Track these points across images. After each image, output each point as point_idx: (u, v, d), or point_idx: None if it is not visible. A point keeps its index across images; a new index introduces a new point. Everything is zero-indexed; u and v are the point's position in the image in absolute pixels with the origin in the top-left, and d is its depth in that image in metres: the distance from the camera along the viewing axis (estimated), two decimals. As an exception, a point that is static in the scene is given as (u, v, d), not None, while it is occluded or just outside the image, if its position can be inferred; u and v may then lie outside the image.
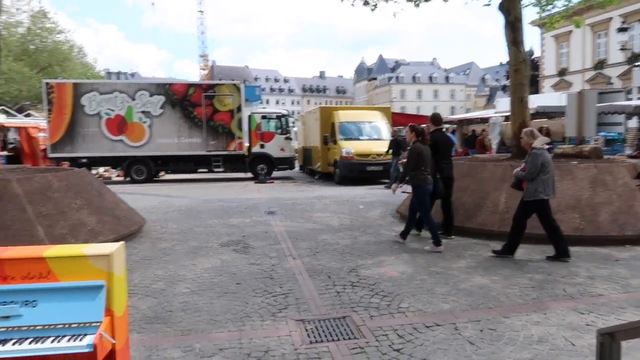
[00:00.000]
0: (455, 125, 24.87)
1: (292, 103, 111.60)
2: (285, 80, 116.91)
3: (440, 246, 6.66)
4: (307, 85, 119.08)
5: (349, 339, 3.89)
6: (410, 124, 7.56)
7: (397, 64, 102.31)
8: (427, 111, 71.90)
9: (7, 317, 2.27)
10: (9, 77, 30.87)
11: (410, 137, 7.08)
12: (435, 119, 7.87)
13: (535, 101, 17.41)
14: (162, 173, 19.17)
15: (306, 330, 4.08)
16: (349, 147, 15.84)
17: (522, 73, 9.10)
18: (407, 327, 4.08)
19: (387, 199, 11.74)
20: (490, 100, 76.17)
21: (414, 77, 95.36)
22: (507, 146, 11.93)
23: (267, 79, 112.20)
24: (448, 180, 7.46)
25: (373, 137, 16.78)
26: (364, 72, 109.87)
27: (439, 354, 3.57)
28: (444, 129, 8.31)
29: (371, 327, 4.10)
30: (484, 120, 21.54)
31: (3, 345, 2.17)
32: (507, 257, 6.24)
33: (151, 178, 17.78)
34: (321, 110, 18.17)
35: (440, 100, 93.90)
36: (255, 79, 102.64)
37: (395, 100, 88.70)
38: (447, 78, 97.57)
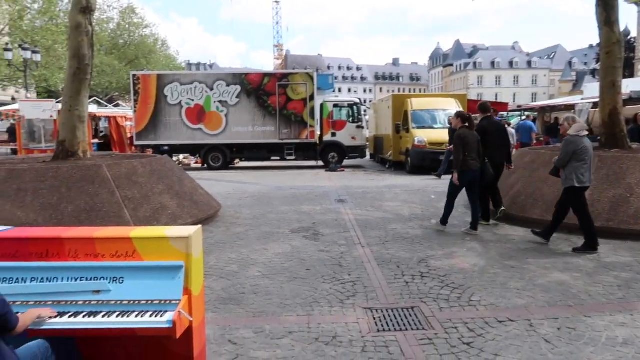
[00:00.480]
0: (536, 113, 23.53)
1: (365, 91, 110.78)
2: (358, 68, 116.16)
3: (445, 226, 7.27)
4: (379, 72, 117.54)
5: (417, 329, 3.86)
6: (457, 110, 7.68)
7: (475, 49, 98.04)
8: (506, 98, 68.46)
9: (98, 292, 2.49)
10: (101, 70, 33.22)
11: (456, 123, 7.34)
12: (483, 107, 8.00)
13: (628, 86, 16.04)
14: (237, 160, 19.86)
15: (374, 318, 4.09)
16: (422, 136, 15.50)
17: (615, 55, 8.40)
18: (478, 321, 3.97)
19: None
20: (576, 85, 71.04)
21: (492, 63, 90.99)
22: (595, 135, 11.13)
23: (339, 67, 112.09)
24: (499, 167, 7.65)
25: (447, 125, 16.29)
26: (439, 59, 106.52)
27: (512, 351, 3.45)
28: (493, 117, 8.23)
29: (440, 319, 4.03)
30: (569, 108, 20.19)
31: (94, 317, 2.38)
32: (544, 243, 6.35)
33: (227, 165, 18.48)
34: (394, 98, 17.90)
35: (520, 86, 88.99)
36: (328, 67, 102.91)
37: (472, 87, 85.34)
38: (529, 63, 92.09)
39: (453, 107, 17.06)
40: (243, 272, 5.42)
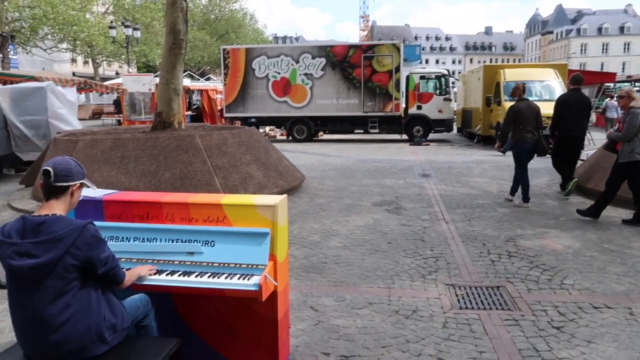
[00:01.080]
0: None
1: (453, 62, 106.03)
2: (447, 38, 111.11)
3: (528, 203, 7.09)
4: (470, 42, 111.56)
5: (502, 309, 3.73)
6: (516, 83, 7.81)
7: (580, 14, 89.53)
8: (614, 67, 62.30)
9: (191, 253, 2.66)
10: (194, 44, 34.77)
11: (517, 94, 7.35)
12: (575, 79, 7.79)
13: None
14: (320, 133, 20.06)
15: (456, 295, 4.01)
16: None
17: None
18: (570, 305, 3.75)
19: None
20: (700, 52, 62.77)
21: (599, 29, 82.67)
22: None
23: (427, 38, 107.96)
24: (576, 140, 7.62)
25: (544, 97, 15.18)
26: (537, 26, 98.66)
27: (607, 339, 3.23)
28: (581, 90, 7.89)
29: (528, 301, 3.86)
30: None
31: (188, 276, 2.56)
32: (592, 220, 6.20)
33: (311, 137, 18.73)
34: (485, 69, 16.98)
35: (632, 54, 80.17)
36: (416, 38, 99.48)
37: (574, 57, 78.36)
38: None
39: (551, 78, 15.85)
40: (325, 242, 5.53)
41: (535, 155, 7.28)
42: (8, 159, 10.25)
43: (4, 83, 13.33)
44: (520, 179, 7.23)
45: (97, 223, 2.71)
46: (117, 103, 22.31)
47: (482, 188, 8.63)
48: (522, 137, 7.00)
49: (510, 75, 15.91)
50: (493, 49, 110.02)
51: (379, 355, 3.10)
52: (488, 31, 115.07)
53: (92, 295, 2.16)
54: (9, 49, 23.60)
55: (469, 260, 4.85)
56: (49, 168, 2.18)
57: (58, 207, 2.18)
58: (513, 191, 7.46)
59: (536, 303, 3.82)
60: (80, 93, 18.68)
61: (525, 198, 7.12)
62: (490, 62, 79.09)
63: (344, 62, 17.75)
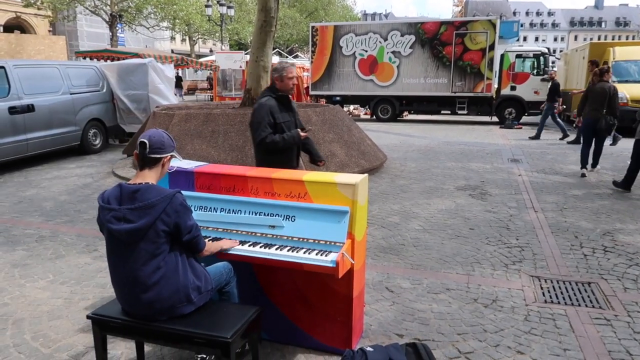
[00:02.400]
0: None
1: (555, 39, 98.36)
2: (550, 14, 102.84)
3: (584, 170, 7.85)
4: (576, 17, 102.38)
5: (593, 307, 3.49)
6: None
7: None
8: None
9: (273, 227, 2.77)
10: (284, 22, 35.29)
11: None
12: None
13: None
14: (405, 113, 19.65)
15: (541, 288, 3.82)
16: (623, 91, 13.29)
17: None
18: (672, 310, 3.42)
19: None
20: None
21: None
22: None
23: (527, 13, 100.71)
24: None
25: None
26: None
27: None
28: None
29: (623, 300, 3.58)
30: None
31: (269, 248, 2.67)
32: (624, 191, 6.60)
33: (395, 117, 18.42)
34: (592, 47, 15.58)
35: None
36: (514, 13, 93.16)
37: (699, 33, 69.51)
38: None
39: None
40: (404, 224, 5.47)
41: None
42: (113, 130, 11.18)
43: (112, 59, 14.49)
44: (581, 155, 8.16)
45: (187, 193, 2.91)
46: (211, 80, 23.38)
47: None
48: (588, 114, 7.95)
49: (621, 54, 14.47)
50: (603, 24, 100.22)
51: (454, 342, 3.05)
52: (598, 4, 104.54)
53: (178, 259, 2.33)
54: (117, 28, 25.50)
55: (557, 252, 4.57)
56: (145, 140, 2.34)
57: (150, 177, 2.36)
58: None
59: (633, 304, 3.53)
60: (177, 70, 19.83)
61: (582, 165, 8.09)
62: (599, 39, 72.30)
63: (434, 39, 17.13)
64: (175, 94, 29.60)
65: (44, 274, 4.13)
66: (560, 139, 12.88)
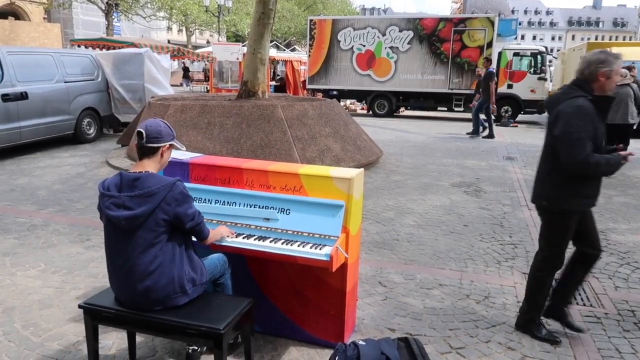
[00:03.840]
0: None
1: (553, 39, 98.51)
2: (548, 12, 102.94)
3: None
4: (574, 17, 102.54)
5: (584, 305, 3.52)
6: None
7: None
8: None
9: (267, 219, 2.76)
10: (281, 15, 35.10)
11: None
12: None
13: None
14: (402, 109, 19.64)
15: (533, 285, 3.83)
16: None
17: None
18: (662, 310, 3.45)
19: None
20: None
21: None
22: None
23: (525, 11, 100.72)
24: None
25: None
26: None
27: None
28: None
29: (614, 299, 3.60)
30: None
31: (263, 241, 2.66)
32: None
33: (391, 113, 18.41)
34: (589, 46, 15.59)
35: None
36: (513, 11, 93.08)
37: (695, 35, 69.85)
38: None
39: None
40: (398, 219, 5.48)
41: None
42: (108, 120, 11.10)
43: (107, 48, 14.36)
44: None
45: (182, 184, 2.88)
46: (207, 71, 23.27)
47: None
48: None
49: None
50: (600, 24, 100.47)
51: (445, 337, 3.06)
52: (596, 4, 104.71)
53: (176, 249, 2.33)
54: (113, 17, 25.28)
55: (551, 250, 4.59)
56: (142, 130, 2.35)
57: (150, 166, 2.36)
58: None
59: (623, 302, 3.56)
60: (174, 60, 19.68)
61: None
62: (596, 39, 72.49)
63: (432, 35, 17.11)
64: (182, 84, 29.43)
65: (35, 263, 4.11)
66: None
